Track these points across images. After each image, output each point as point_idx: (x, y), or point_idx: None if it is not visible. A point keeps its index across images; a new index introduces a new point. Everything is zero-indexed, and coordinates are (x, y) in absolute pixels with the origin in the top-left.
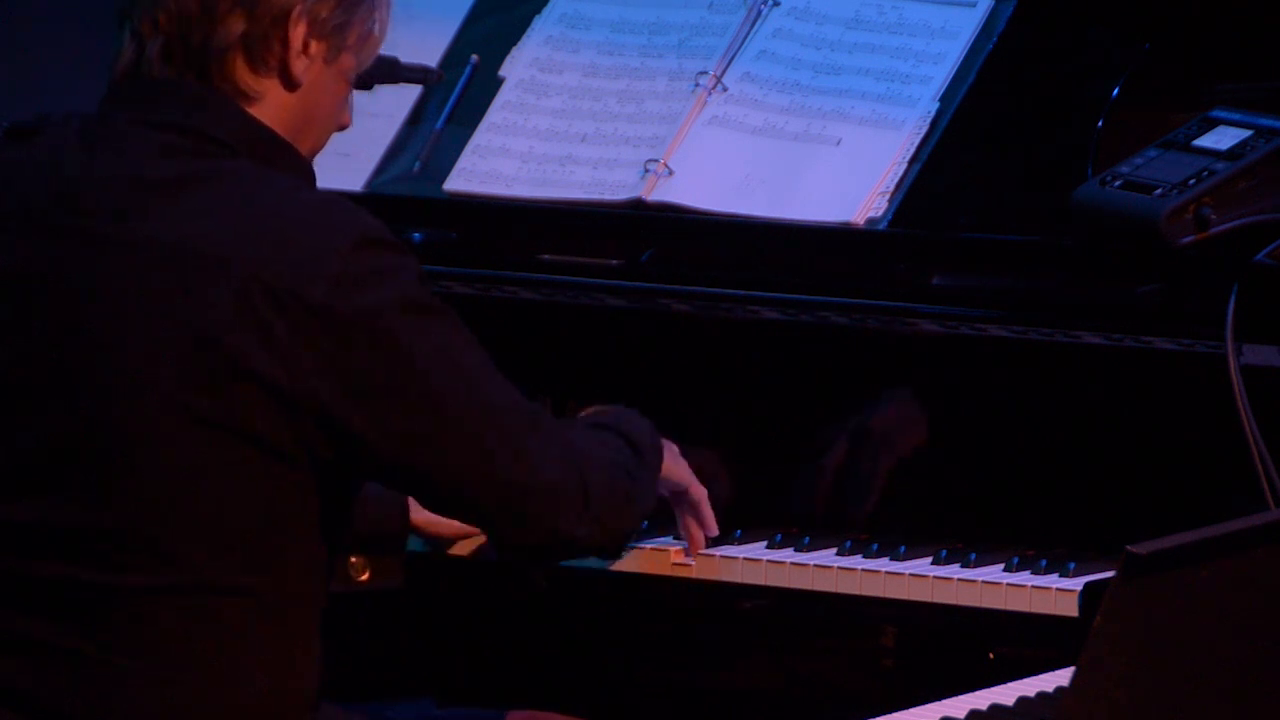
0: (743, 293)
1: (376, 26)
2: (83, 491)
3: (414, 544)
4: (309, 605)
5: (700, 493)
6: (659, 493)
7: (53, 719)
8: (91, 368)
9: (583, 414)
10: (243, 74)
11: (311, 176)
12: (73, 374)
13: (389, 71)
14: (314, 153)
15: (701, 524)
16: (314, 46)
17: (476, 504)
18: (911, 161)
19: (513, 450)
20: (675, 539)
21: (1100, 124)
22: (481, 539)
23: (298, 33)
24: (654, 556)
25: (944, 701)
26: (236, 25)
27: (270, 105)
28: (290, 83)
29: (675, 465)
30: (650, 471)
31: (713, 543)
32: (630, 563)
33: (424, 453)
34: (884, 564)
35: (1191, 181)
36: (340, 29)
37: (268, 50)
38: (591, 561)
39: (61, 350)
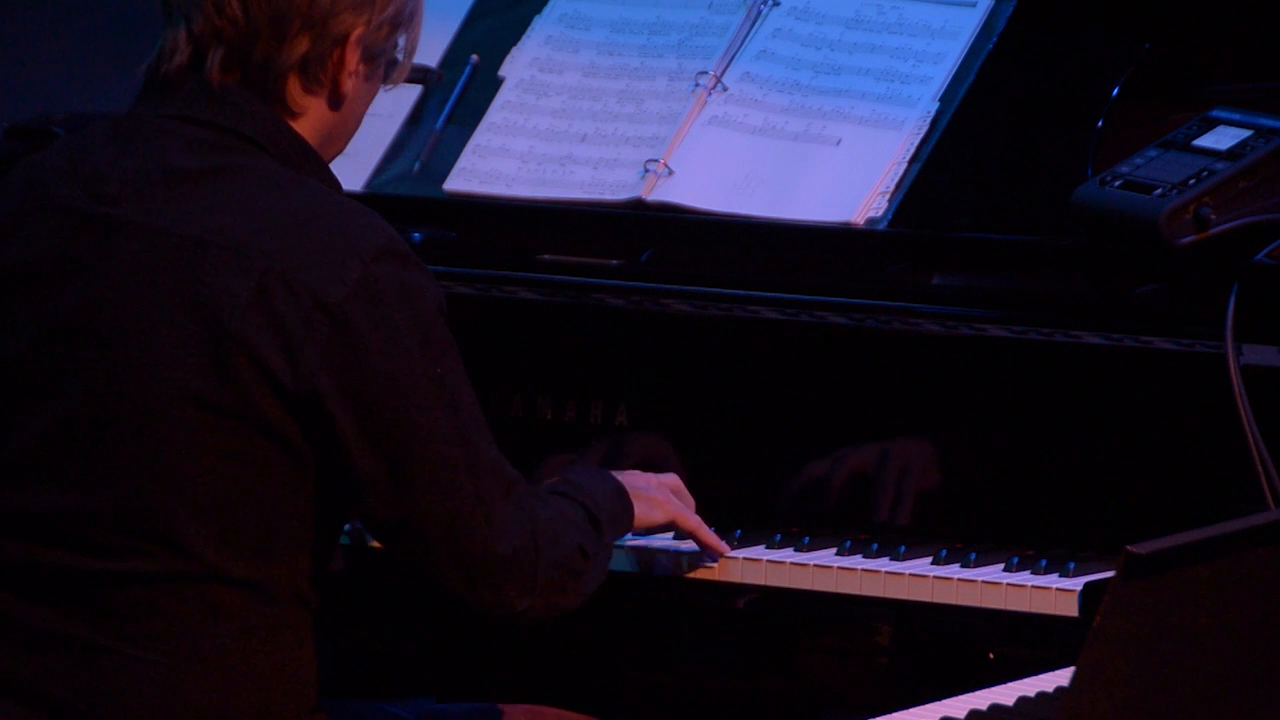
0: (743, 293)
1: (413, 37)
2: (93, 476)
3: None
4: (310, 598)
5: (691, 522)
6: (652, 528)
7: (58, 708)
8: (109, 353)
9: (550, 480)
10: (294, 93)
11: (339, 187)
12: (91, 359)
13: None
14: (336, 156)
15: (706, 546)
16: (362, 67)
17: (429, 548)
18: (911, 161)
19: (482, 509)
20: (676, 537)
21: (1100, 124)
22: None
23: (354, 56)
24: (653, 556)
25: (944, 701)
26: (301, 46)
27: (310, 120)
28: (337, 101)
29: (652, 511)
30: (608, 547)
31: None
32: (629, 562)
33: (396, 478)
34: (884, 564)
35: (1191, 181)
36: (388, 49)
37: (322, 71)
38: None
39: (82, 336)
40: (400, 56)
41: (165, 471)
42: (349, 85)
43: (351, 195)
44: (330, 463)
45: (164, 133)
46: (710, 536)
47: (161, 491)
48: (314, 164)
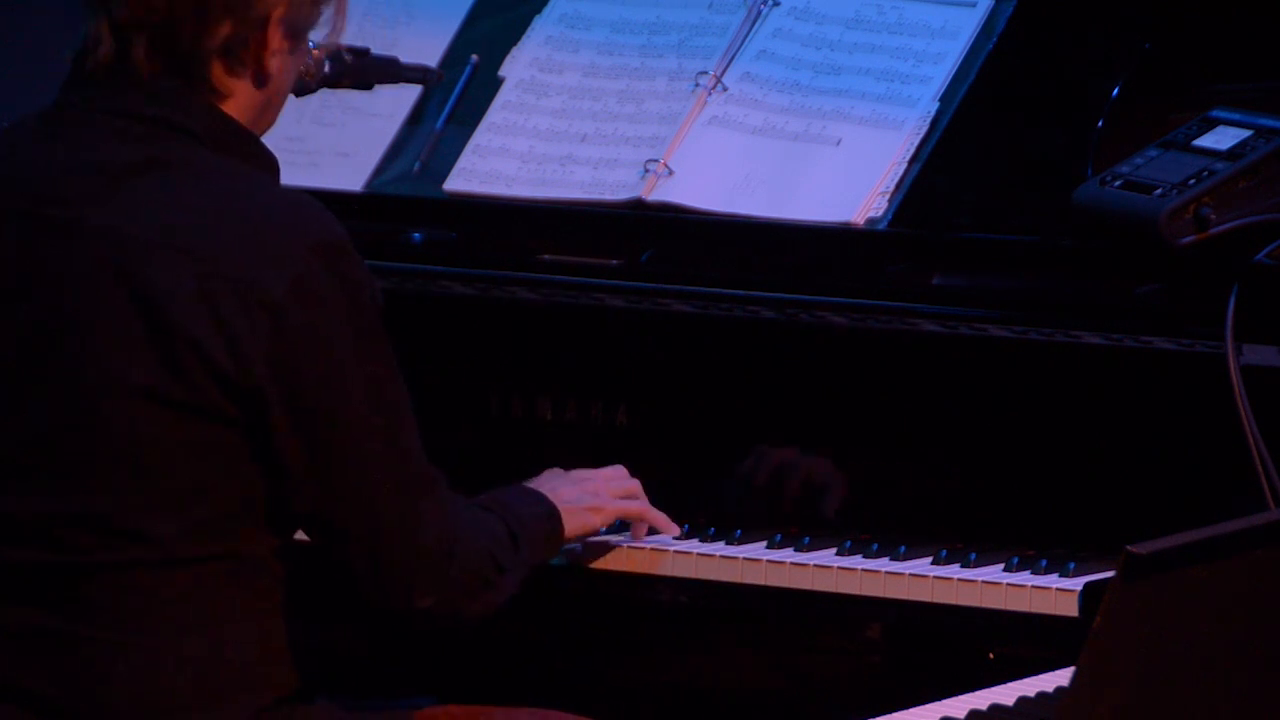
0: (742, 293)
1: (340, 4)
2: (58, 479)
3: None
4: (277, 569)
5: (634, 510)
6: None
7: (43, 703)
8: (58, 355)
9: (480, 497)
10: (218, 75)
11: (276, 171)
12: (38, 359)
13: (389, 71)
14: (268, 129)
15: (661, 528)
16: (285, 44)
17: (345, 540)
18: (911, 161)
19: (401, 504)
20: (675, 538)
21: (1100, 124)
22: None
23: (276, 35)
24: (653, 556)
25: (944, 701)
26: (224, 30)
27: (238, 101)
28: (263, 80)
29: (588, 519)
30: (525, 565)
31: (714, 542)
32: (630, 562)
33: (317, 469)
34: (884, 564)
35: (1191, 181)
36: (310, 25)
37: (245, 52)
38: (591, 560)
39: (30, 340)
40: (329, 16)
41: (126, 468)
42: (273, 64)
43: (352, 195)
44: (259, 450)
45: (94, 127)
46: (657, 516)
47: (125, 488)
48: (249, 147)
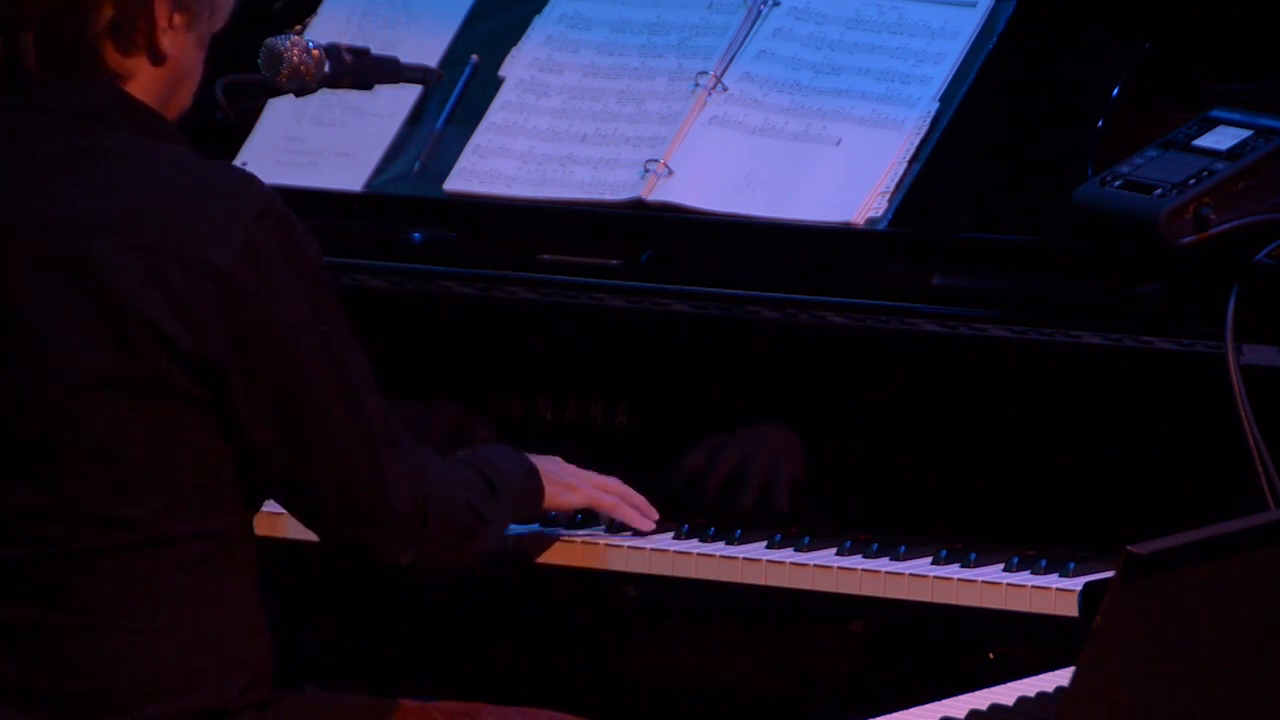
0: (742, 293)
1: None
2: (24, 472)
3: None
4: (252, 546)
5: (608, 502)
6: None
7: (36, 699)
8: (12, 351)
9: (459, 453)
10: (113, 57)
11: (192, 146)
12: None
13: (389, 71)
14: (181, 112)
15: (632, 524)
16: (177, 19)
17: (317, 503)
18: (911, 161)
19: (370, 464)
20: (674, 538)
21: (1100, 124)
22: None
23: (162, 10)
24: (654, 556)
25: (944, 701)
26: (105, 13)
27: (141, 81)
28: (158, 58)
29: (567, 494)
30: (505, 512)
31: (714, 542)
32: (629, 562)
33: (284, 437)
34: (884, 564)
35: (1191, 181)
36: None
37: (135, 32)
38: (590, 560)
39: None
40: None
41: (96, 456)
42: (166, 42)
43: (351, 195)
44: (224, 423)
45: (11, 127)
46: (628, 512)
47: (96, 475)
48: (163, 126)
